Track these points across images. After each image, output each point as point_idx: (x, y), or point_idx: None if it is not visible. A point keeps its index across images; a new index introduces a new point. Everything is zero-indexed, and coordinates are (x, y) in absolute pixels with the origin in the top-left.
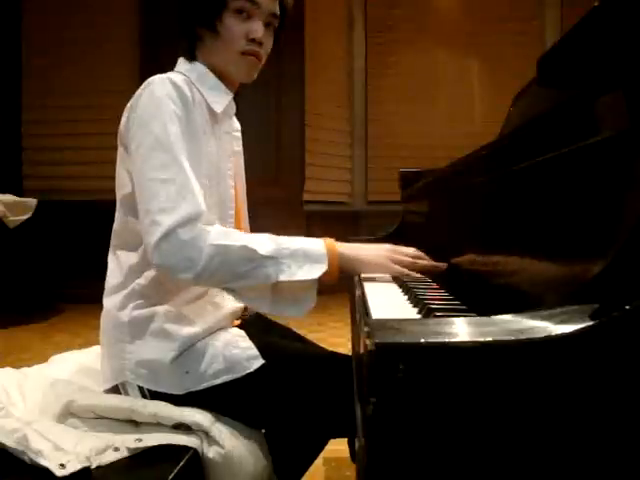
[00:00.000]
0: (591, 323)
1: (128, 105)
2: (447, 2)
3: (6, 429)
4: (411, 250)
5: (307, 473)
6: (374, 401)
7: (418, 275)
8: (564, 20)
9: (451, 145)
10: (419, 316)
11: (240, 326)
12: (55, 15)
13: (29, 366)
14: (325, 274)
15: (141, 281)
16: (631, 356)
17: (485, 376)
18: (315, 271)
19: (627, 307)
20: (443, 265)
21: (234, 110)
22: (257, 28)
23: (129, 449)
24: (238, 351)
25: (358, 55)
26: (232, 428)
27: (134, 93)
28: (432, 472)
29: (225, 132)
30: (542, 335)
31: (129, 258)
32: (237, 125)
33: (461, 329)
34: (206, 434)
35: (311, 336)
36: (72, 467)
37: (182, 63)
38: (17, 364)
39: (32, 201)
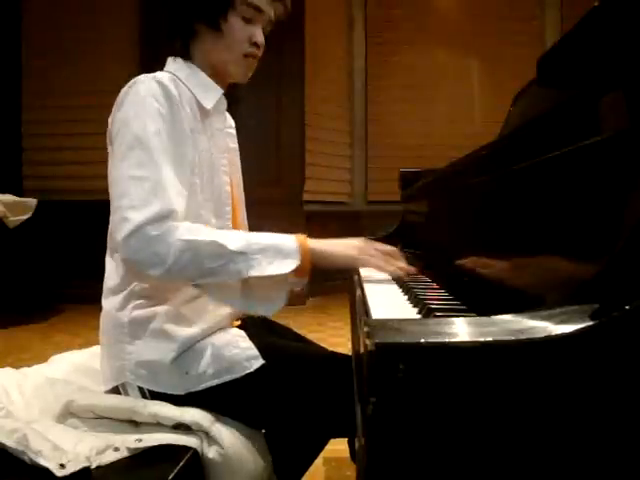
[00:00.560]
0: (591, 323)
1: (114, 105)
2: (447, 2)
3: (6, 429)
4: (387, 247)
5: (307, 473)
6: (374, 401)
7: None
8: (564, 20)
9: (451, 145)
10: (419, 316)
11: (240, 326)
12: (55, 15)
13: (29, 366)
14: (297, 270)
15: (140, 282)
16: (631, 356)
17: (485, 376)
18: (286, 266)
19: (627, 307)
20: (414, 269)
21: (225, 106)
22: (259, 33)
23: (129, 449)
24: (238, 351)
25: (358, 55)
26: (232, 428)
27: None
28: (432, 472)
29: (217, 129)
30: (542, 335)
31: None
32: (231, 122)
33: (461, 329)
34: (206, 434)
35: (311, 336)
36: (72, 467)
37: (171, 63)
38: (17, 364)
39: (32, 201)
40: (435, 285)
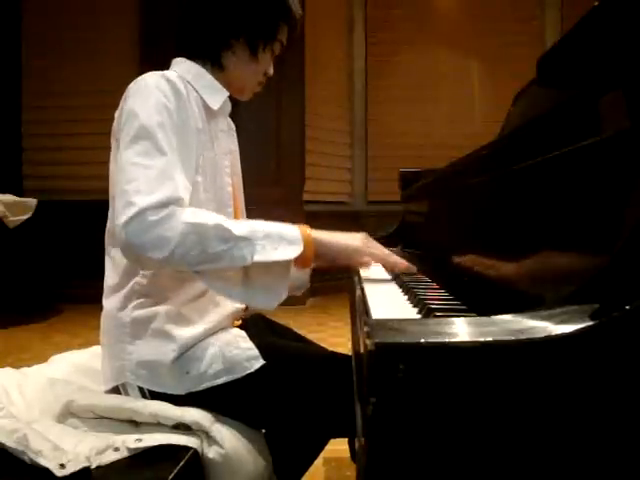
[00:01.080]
0: (591, 323)
1: (121, 101)
2: (447, 2)
3: (6, 429)
4: (385, 250)
5: (307, 473)
6: (374, 401)
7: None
8: (564, 20)
9: (451, 145)
10: (419, 316)
11: (240, 326)
12: (55, 15)
13: (29, 366)
14: (300, 258)
15: (140, 280)
16: (631, 356)
17: (485, 376)
18: (290, 252)
19: (627, 307)
20: (414, 268)
21: (229, 108)
22: (272, 66)
23: (129, 449)
24: (238, 351)
25: (358, 55)
26: (232, 428)
27: None
28: (432, 472)
29: (221, 130)
30: (542, 335)
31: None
32: (232, 124)
33: (461, 329)
34: (206, 434)
35: (311, 336)
36: (72, 467)
37: (178, 63)
38: (17, 364)
39: (32, 201)
40: (435, 285)
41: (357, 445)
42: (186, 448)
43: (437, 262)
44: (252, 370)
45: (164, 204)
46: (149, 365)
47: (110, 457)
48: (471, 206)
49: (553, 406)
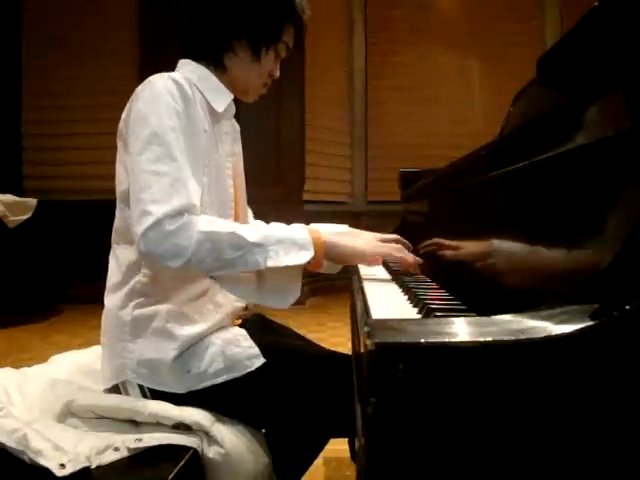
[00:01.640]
0: (591, 323)
1: (128, 102)
2: (447, 2)
3: (6, 429)
4: (391, 236)
5: (307, 473)
6: (374, 401)
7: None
8: (564, 20)
9: (451, 145)
10: (419, 316)
11: (240, 325)
12: (55, 15)
13: (29, 366)
14: (311, 261)
15: (141, 279)
16: (631, 356)
17: (485, 376)
18: (302, 257)
19: (627, 307)
20: (418, 260)
21: (234, 111)
22: (278, 68)
23: (129, 449)
24: (239, 350)
25: (358, 55)
26: (232, 428)
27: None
28: (432, 472)
29: (225, 132)
30: (542, 335)
31: (127, 254)
32: (237, 127)
33: (461, 329)
34: (206, 434)
35: (311, 336)
36: (72, 467)
37: (184, 65)
38: (17, 364)
39: (32, 201)
40: (435, 285)
41: (357, 445)
42: (186, 448)
43: (437, 262)
44: (253, 369)
45: (179, 212)
46: (150, 363)
47: (110, 457)
48: (471, 206)
49: (553, 406)
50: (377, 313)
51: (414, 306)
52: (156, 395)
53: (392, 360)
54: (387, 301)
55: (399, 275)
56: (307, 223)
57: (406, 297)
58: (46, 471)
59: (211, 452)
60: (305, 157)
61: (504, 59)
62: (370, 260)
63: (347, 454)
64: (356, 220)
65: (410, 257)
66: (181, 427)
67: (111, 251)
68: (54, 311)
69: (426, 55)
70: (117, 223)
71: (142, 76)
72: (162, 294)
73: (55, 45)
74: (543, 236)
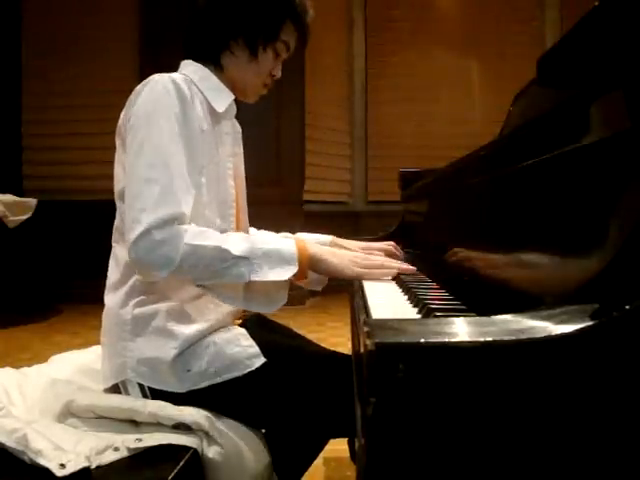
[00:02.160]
0: (591, 323)
1: (127, 101)
2: (447, 2)
3: (6, 429)
4: (384, 246)
5: (307, 473)
6: (374, 401)
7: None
8: (564, 20)
9: (451, 145)
10: (419, 316)
11: (241, 325)
12: (55, 15)
13: (29, 366)
14: (295, 275)
15: (141, 277)
16: (631, 356)
17: (485, 376)
18: (285, 273)
19: (627, 307)
20: (412, 268)
21: (235, 111)
22: (280, 68)
23: (129, 449)
24: (239, 349)
25: (358, 55)
26: (232, 428)
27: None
28: (432, 472)
29: (226, 133)
30: (542, 335)
31: (127, 253)
32: (238, 127)
33: (461, 329)
34: (206, 434)
35: (311, 336)
36: (72, 467)
37: (187, 65)
38: (17, 364)
39: (32, 201)
40: (435, 285)
41: (357, 445)
42: (186, 448)
43: (437, 262)
44: (253, 368)
45: (168, 221)
46: (150, 362)
47: (110, 457)
48: (471, 206)
49: (553, 406)
50: (377, 313)
51: (414, 306)
52: (156, 394)
53: (392, 360)
54: (387, 301)
55: (399, 275)
56: (307, 223)
57: (406, 297)
58: (46, 471)
59: (211, 452)
60: (305, 157)
61: (504, 59)
62: (353, 276)
63: (347, 454)
64: (356, 220)
65: (391, 272)
66: (181, 427)
67: (112, 250)
68: (54, 311)
69: (426, 55)
70: (117, 222)
71: (142, 76)
72: (162, 293)
73: (55, 45)
74: (543, 236)
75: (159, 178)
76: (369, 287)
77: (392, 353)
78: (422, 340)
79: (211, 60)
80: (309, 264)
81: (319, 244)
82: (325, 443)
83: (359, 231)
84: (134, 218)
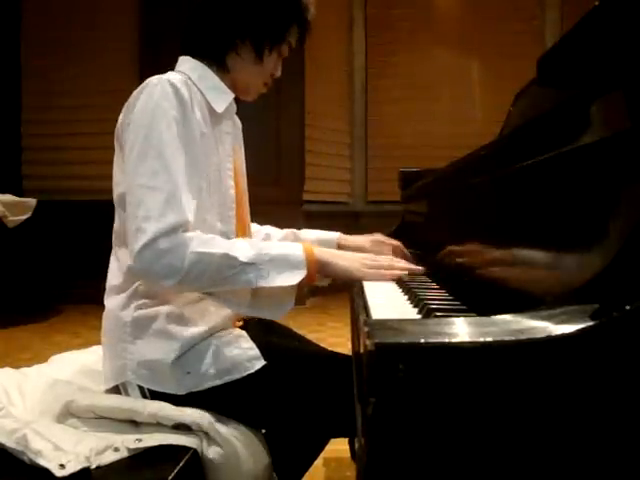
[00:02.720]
0: (591, 323)
1: (125, 105)
2: (447, 2)
3: (6, 429)
4: (393, 242)
5: (307, 473)
6: (374, 401)
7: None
8: (564, 20)
9: (451, 145)
10: (419, 316)
11: (242, 327)
12: (55, 15)
13: (29, 366)
14: (303, 278)
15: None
16: (631, 356)
17: (485, 376)
18: (294, 277)
19: (627, 307)
20: (420, 268)
21: (235, 110)
22: (280, 68)
23: (129, 449)
24: (239, 351)
25: (358, 55)
26: (232, 428)
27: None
28: (432, 472)
29: (226, 132)
30: (542, 335)
31: (128, 257)
32: (239, 123)
33: (461, 329)
34: (206, 434)
35: (311, 336)
36: (72, 467)
37: (185, 62)
38: (17, 364)
39: (32, 201)
40: (435, 285)
41: (357, 445)
42: (186, 448)
43: (437, 262)
44: (253, 370)
45: (173, 229)
46: (150, 365)
47: (110, 457)
48: (471, 206)
49: (553, 406)
50: (377, 313)
51: (414, 306)
52: (156, 396)
53: (392, 360)
54: (387, 301)
55: None
56: (307, 223)
57: (406, 297)
58: (46, 471)
59: (211, 452)
60: (305, 157)
61: (504, 59)
62: (362, 278)
63: (347, 454)
64: (356, 220)
65: (400, 272)
66: (181, 427)
67: (112, 252)
68: (54, 311)
69: (426, 54)
70: (116, 226)
71: (142, 76)
72: (164, 296)
73: (55, 45)
74: (543, 236)
75: (162, 186)
76: (369, 287)
77: (392, 353)
78: (422, 340)
79: (215, 60)
80: (317, 268)
81: (326, 241)
82: (325, 443)
83: (359, 231)
84: (138, 227)
